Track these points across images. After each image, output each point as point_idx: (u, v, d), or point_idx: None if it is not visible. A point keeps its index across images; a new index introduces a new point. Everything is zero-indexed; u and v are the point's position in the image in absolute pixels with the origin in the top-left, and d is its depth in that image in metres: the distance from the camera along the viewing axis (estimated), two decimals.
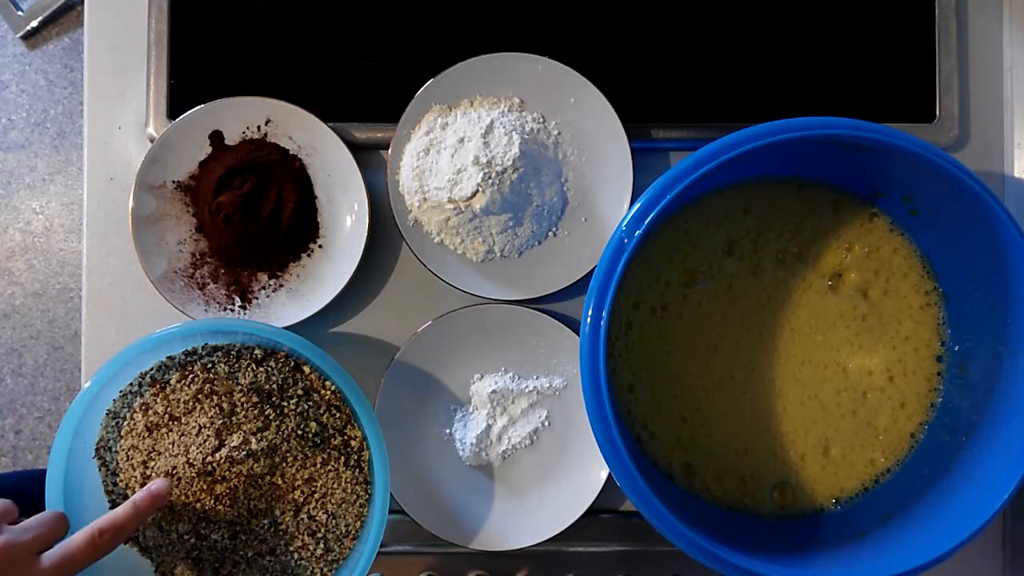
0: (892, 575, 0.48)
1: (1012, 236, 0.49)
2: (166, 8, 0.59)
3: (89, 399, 0.52)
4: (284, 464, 0.53)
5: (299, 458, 0.53)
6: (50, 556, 0.44)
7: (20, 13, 0.63)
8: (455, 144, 0.56)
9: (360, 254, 0.57)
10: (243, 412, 0.53)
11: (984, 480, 0.51)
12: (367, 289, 0.60)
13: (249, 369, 0.54)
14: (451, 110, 0.58)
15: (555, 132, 0.58)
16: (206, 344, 0.55)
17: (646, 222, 0.47)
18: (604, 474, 0.57)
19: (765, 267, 0.57)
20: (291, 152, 0.58)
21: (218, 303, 0.58)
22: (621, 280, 0.47)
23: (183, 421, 0.53)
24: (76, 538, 0.45)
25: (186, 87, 0.59)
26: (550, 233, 0.58)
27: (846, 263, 0.57)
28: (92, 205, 0.60)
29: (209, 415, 0.53)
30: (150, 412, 0.54)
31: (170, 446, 0.53)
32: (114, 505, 0.55)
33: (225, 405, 0.53)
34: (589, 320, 0.48)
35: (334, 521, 0.54)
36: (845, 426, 0.56)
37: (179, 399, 0.53)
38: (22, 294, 0.65)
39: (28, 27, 0.64)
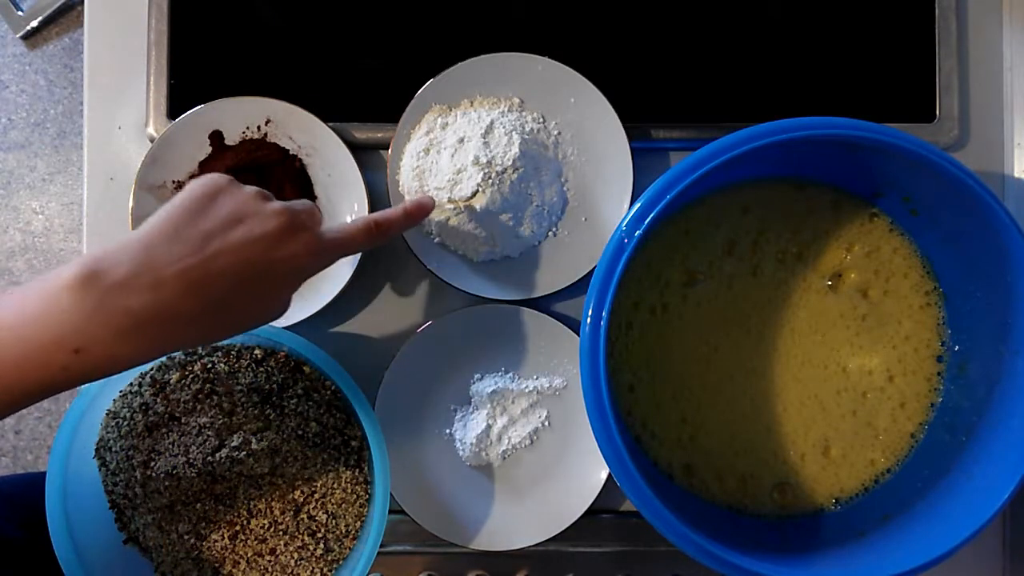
0: (892, 575, 0.48)
1: (1012, 236, 0.49)
2: (166, 8, 0.59)
3: (89, 399, 0.52)
4: (284, 464, 0.53)
5: (299, 458, 0.53)
6: (331, 231, 0.45)
7: (20, 13, 0.63)
8: (455, 144, 0.56)
9: (360, 254, 0.57)
10: (243, 412, 0.53)
11: (984, 480, 0.51)
12: (367, 289, 0.60)
13: (249, 369, 0.54)
14: (451, 110, 0.58)
15: (555, 132, 0.58)
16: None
17: (646, 222, 0.47)
18: (604, 474, 0.57)
19: (765, 267, 0.57)
20: (291, 152, 0.58)
21: None
22: (621, 280, 0.47)
23: (183, 421, 0.53)
24: (354, 223, 0.47)
25: (186, 87, 0.59)
26: (550, 233, 0.58)
27: (846, 263, 0.57)
28: (92, 205, 0.60)
29: (209, 415, 0.53)
30: (150, 412, 0.54)
31: (170, 446, 0.53)
32: (114, 505, 0.55)
33: (225, 405, 0.53)
34: (589, 320, 0.48)
35: (334, 521, 0.54)
36: (845, 426, 0.56)
37: (179, 399, 0.54)
38: None
39: (28, 27, 0.63)
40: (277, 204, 0.43)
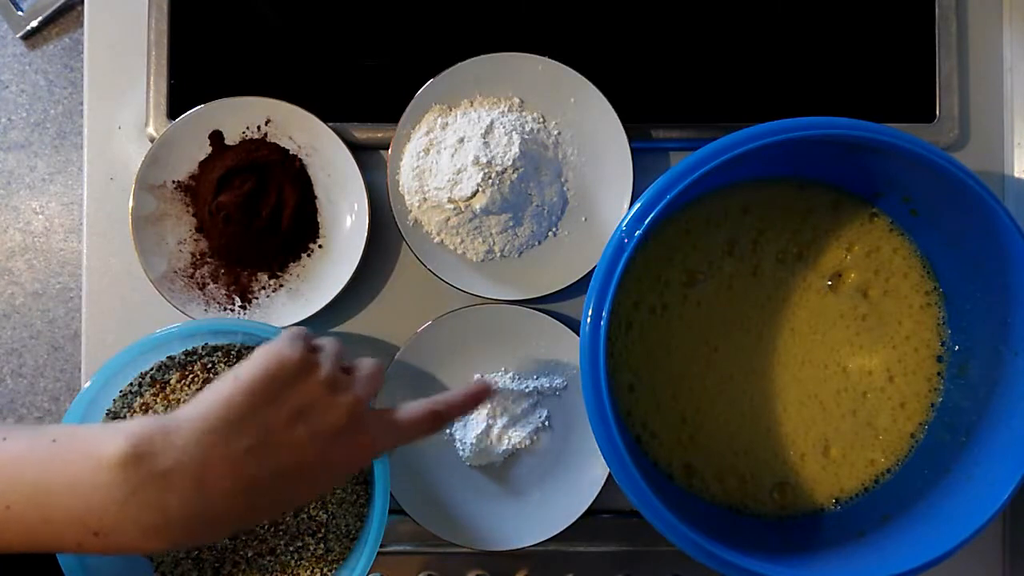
0: (892, 575, 0.48)
1: (1012, 236, 0.49)
2: (166, 8, 0.59)
3: (89, 399, 0.52)
4: None
5: None
6: (390, 428, 0.42)
7: (20, 13, 0.63)
8: (455, 144, 0.56)
9: (360, 254, 0.57)
10: None
11: (984, 480, 0.51)
12: (367, 289, 0.60)
13: None
14: (451, 110, 0.58)
15: (555, 132, 0.58)
16: (206, 344, 0.55)
17: (646, 222, 0.47)
18: (604, 474, 0.57)
19: (765, 267, 0.57)
20: (291, 152, 0.58)
21: (218, 303, 0.58)
22: (621, 280, 0.47)
23: None
24: (413, 413, 0.42)
25: (186, 87, 0.59)
26: (550, 233, 0.58)
27: (846, 263, 0.57)
28: (92, 205, 0.60)
29: None
30: (150, 412, 0.54)
31: None
32: None
33: None
34: (589, 320, 0.48)
35: (334, 521, 0.54)
36: (845, 426, 0.56)
37: (179, 399, 0.53)
38: (22, 294, 0.65)
39: (28, 27, 0.63)
40: (348, 397, 0.40)
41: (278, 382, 0.38)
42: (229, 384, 0.38)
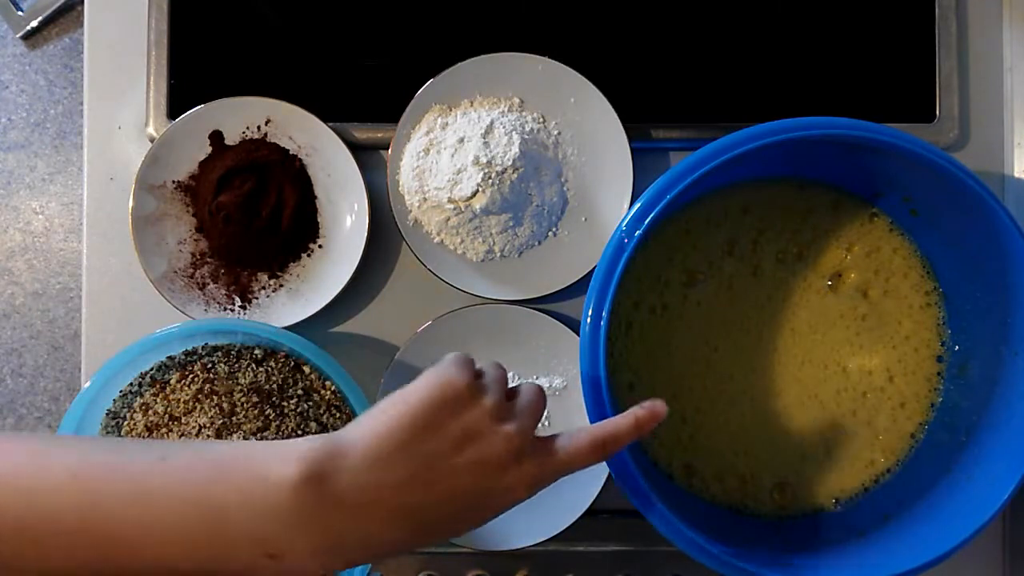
0: (892, 575, 0.48)
1: (1012, 236, 0.49)
2: (166, 8, 0.59)
3: (89, 399, 0.52)
4: None
5: None
6: (553, 457, 0.40)
7: (20, 13, 0.63)
8: (455, 144, 0.56)
9: (360, 254, 0.57)
10: (243, 412, 0.53)
11: (984, 480, 0.51)
12: (367, 289, 0.60)
13: (249, 369, 0.54)
14: (451, 110, 0.58)
15: (555, 132, 0.58)
16: (206, 344, 0.55)
17: (646, 222, 0.47)
18: (604, 474, 0.57)
19: (765, 267, 0.56)
20: (291, 152, 0.58)
21: (218, 303, 0.58)
22: (621, 280, 0.47)
23: (183, 421, 0.53)
24: (577, 442, 0.40)
25: (186, 87, 0.59)
26: (550, 233, 0.58)
27: (846, 263, 0.57)
28: (92, 205, 0.60)
29: (209, 415, 0.53)
30: (150, 412, 0.54)
31: None
32: None
33: (225, 405, 0.53)
34: (589, 320, 0.48)
35: None
36: (845, 426, 0.56)
37: (179, 399, 0.54)
38: (22, 294, 0.65)
39: (28, 27, 0.63)
40: (512, 427, 0.39)
41: (446, 409, 0.37)
42: (398, 408, 0.37)
